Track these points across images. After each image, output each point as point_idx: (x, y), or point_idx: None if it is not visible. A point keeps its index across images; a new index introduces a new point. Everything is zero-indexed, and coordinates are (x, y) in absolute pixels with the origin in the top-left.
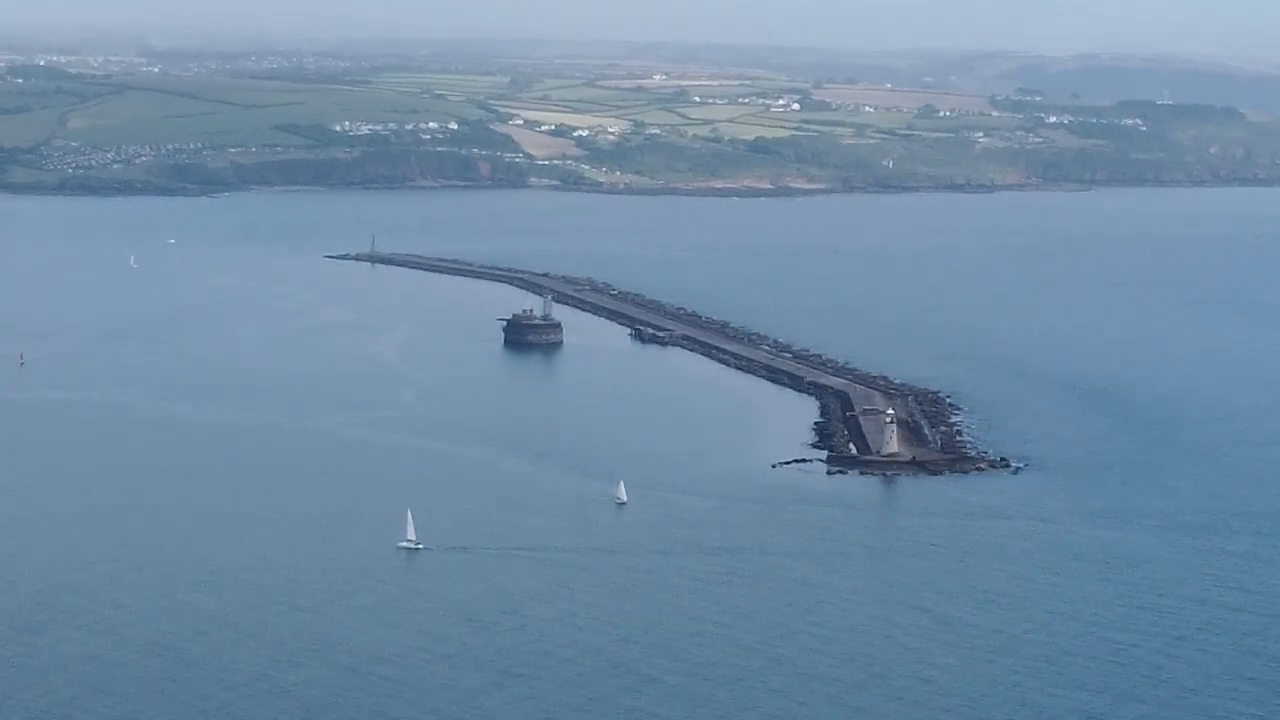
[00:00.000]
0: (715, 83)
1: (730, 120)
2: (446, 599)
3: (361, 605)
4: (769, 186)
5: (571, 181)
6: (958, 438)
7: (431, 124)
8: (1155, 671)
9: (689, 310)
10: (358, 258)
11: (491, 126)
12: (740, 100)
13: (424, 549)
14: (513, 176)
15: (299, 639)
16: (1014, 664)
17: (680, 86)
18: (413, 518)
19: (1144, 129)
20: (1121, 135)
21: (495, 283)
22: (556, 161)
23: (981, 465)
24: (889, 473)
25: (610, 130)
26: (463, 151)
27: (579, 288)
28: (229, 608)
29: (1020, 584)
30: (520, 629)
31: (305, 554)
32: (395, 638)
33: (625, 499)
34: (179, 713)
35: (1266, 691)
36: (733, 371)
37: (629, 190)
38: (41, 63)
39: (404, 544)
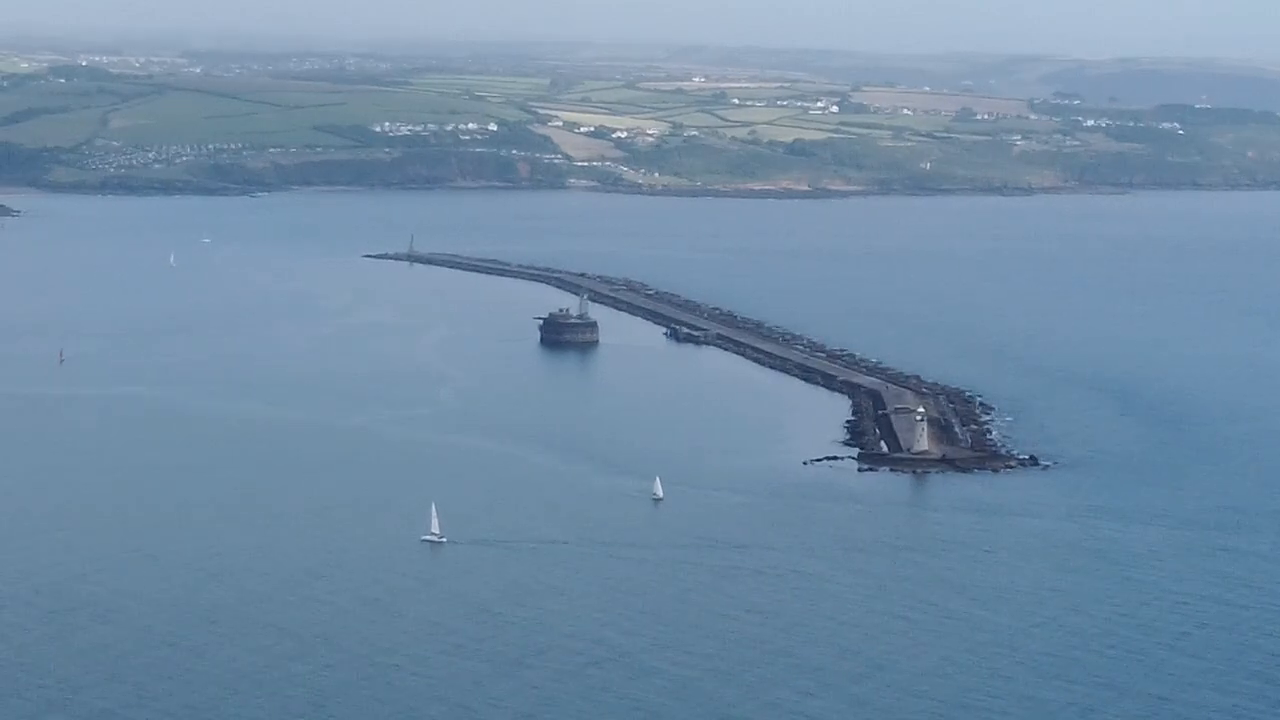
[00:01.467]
0: (754, 85)
1: (769, 122)
2: (461, 591)
3: (375, 596)
4: (806, 188)
5: (610, 183)
6: (988, 436)
7: (471, 125)
8: (1158, 667)
9: (724, 310)
10: (396, 257)
11: (530, 128)
12: (779, 103)
13: (448, 542)
14: (551, 177)
15: (310, 629)
16: (1018, 658)
17: (719, 89)
18: (437, 511)
19: (1181, 132)
20: (1159, 139)
21: (532, 282)
22: (595, 163)
23: (1011, 463)
24: (919, 470)
25: (649, 132)
26: (502, 152)
27: (615, 287)
28: (245, 598)
29: (1036, 580)
30: (529, 620)
31: (329, 546)
32: (404, 628)
33: (661, 495)
34: (186, 700)
35: (1268, 686)
36: (767, 370)
37: (667, 192)
38: (83, 63)
39: (427, 537)
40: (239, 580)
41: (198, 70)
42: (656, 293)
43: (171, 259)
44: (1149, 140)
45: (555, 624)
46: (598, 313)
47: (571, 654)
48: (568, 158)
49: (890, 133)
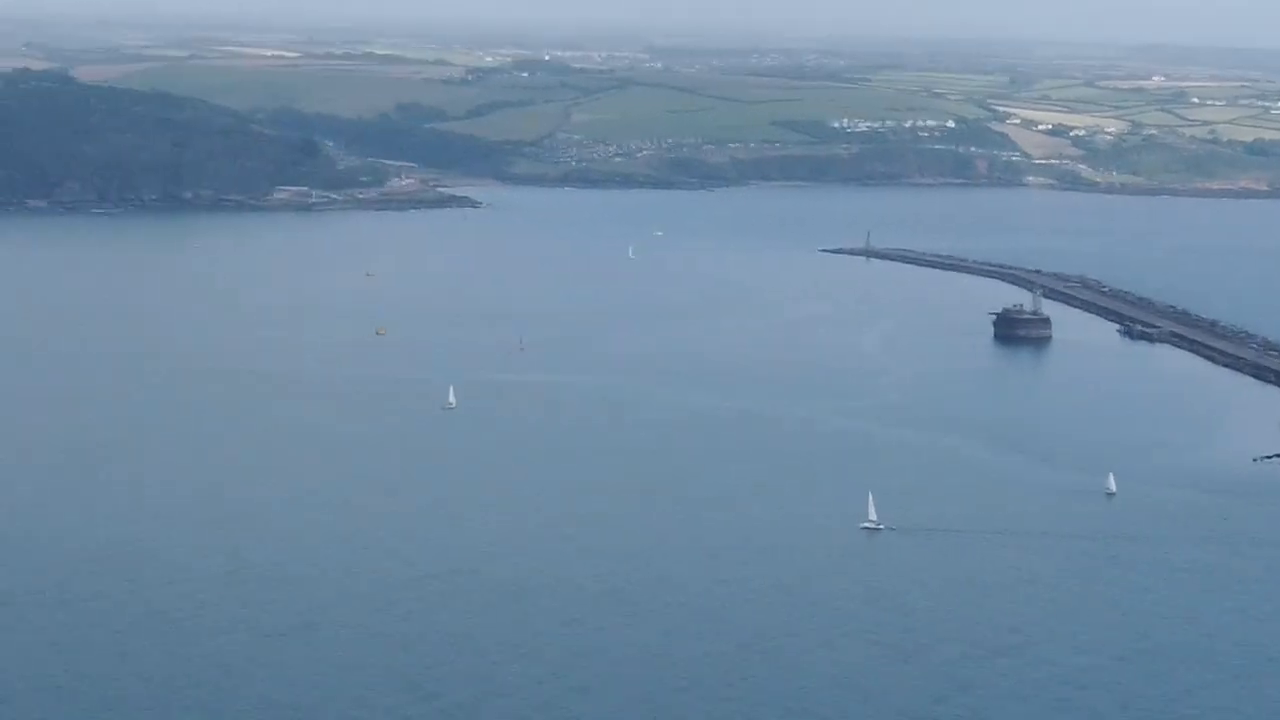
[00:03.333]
0: (1213, 84)
1: (1228, 122)
2: (877, 578)
3: (792, 582)
4: (1266, 189)
5: (1068, 181)
6: None
7: (929, 122)
8: None
9: (1178, 308)
10: (852, 252)
11: (989, 125)
12: (1239, 102)
13: (885, 529)
14: (1009, 175)
15: (720, 610)
16: None
17: (1179, 87)
18: (874, 499)
19: None
20: None
21: (987, 278)
22: (1053, 161)
23: None
24: None
25: (1107, 130)
26: (959, 149)
27: (1070, 284)
28: (663, 581)
29: None
30: (935, 609)
31: (758, 531)
32: (814, 614)
33: (1115, 490)
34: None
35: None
36: (1220, 368)
37: (1124, 190)
38: (546, 58)
39: (866, 524)
40: (656, 563)
41: (658, 65)
42: (1111, 290)
43: (630, 251)
44: None
45: (963, 612)
46: (1051, 309)
47: (967, 645)
48: (1026, 155)
49: None
